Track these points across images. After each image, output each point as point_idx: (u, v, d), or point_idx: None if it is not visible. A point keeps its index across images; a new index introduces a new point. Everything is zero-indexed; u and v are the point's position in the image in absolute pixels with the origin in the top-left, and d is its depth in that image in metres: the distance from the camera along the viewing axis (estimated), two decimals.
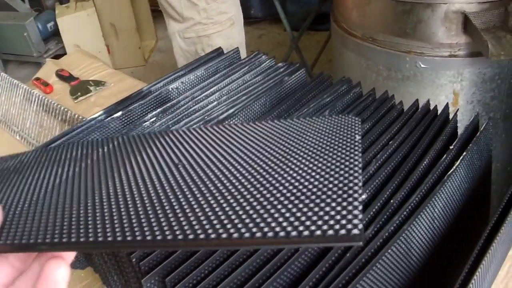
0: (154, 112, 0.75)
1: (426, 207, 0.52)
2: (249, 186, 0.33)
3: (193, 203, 0.32)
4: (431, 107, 0.70)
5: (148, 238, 0.29)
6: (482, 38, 0.99)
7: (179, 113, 0.73)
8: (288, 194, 0.30)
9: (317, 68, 2.53)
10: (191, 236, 0.28)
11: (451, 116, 0.69)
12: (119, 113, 0.75)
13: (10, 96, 1.23)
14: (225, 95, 0.76)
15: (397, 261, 0.49)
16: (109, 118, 0.75)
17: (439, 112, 0.70)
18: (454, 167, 0.57)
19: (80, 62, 1.53)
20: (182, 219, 0.30)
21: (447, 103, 0.71)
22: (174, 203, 0.32)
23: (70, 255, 0.32)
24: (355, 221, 0.26)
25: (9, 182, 0.43)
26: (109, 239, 0.30)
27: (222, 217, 0.29)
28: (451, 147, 0.61)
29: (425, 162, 0.59)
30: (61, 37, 3.05)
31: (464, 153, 0.59)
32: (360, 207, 0.27)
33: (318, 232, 0.26)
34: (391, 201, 0.53)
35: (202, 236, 0.28)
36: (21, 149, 0.59)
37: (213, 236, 0.28)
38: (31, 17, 3.06)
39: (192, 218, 0.30)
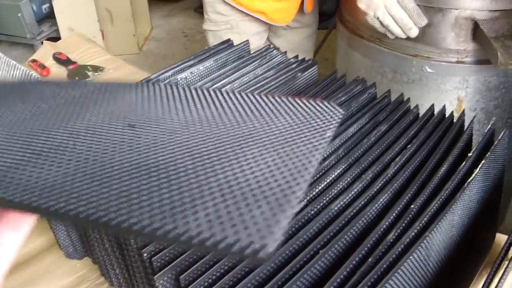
0: None
1: (446, 213, 0.51)
2: (178, 167, 0.29)
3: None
4: (444, 113, 0.69)
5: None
6: (492, 46, 0.98)
7: None
8: (214, 187, 0.27)
9: None
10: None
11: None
12: None
13: (6, 77, 1.19)
14: (237, 88, 0.74)
15: (416, 268, 0.48)
16: None
17: (455, 119, 0.69)
18: (474, 174, 0.56)
19: (78, 46, 1.50)
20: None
21: (463, 110, 0.70)
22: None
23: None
24: (269, 241, 0.22)
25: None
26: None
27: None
28: (470, 154, 0.60)
29: (443, 168, 0.58)
30: (55, 20, 2.99)
31: (483, 161, 0.58)
32: (284, 229, 0.24)
33: (222, 245, 0.24)
34: (411, 206, 0.51)
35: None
36: None
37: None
38: None
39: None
